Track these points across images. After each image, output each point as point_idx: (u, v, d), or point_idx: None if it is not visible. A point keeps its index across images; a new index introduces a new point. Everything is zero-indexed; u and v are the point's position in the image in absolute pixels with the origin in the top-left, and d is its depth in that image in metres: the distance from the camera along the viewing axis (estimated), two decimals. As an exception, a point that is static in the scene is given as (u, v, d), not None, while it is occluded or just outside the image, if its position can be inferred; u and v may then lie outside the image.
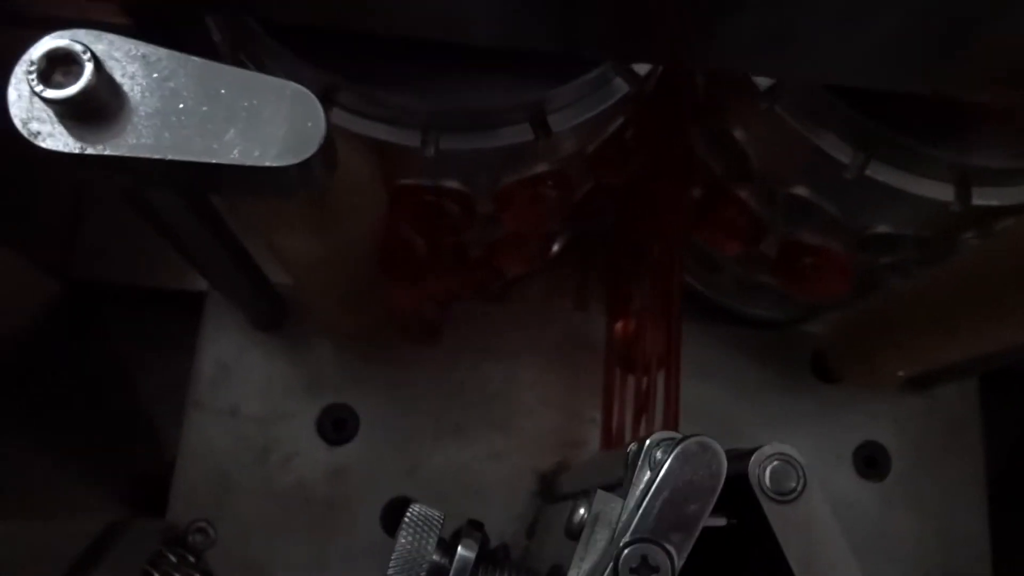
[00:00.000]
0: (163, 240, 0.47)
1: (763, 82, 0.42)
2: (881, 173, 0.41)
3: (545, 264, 0.62)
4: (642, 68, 0.42)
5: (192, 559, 0.58)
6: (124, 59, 0.32)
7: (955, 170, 0.41)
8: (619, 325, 0.58)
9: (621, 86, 0.42)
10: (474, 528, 0.32)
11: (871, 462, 0.65)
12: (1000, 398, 0.68)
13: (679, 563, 0.30)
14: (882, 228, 0.46)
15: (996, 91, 0.37)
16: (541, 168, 0.45)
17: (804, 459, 0.32)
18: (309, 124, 0.32)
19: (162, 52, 0.32)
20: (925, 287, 0.49)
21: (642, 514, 0.30)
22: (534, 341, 0.64)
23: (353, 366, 0.63)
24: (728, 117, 0.47)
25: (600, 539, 0.32)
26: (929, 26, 0.32)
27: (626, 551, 0.30)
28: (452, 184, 0.44)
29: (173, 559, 0.56)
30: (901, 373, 0.57)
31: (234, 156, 0.32)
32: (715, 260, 0.61)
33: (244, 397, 0.62)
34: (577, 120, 0.41)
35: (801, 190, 0.46)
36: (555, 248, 0.62)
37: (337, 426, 0.62)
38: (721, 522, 0.37)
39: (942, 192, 0.41)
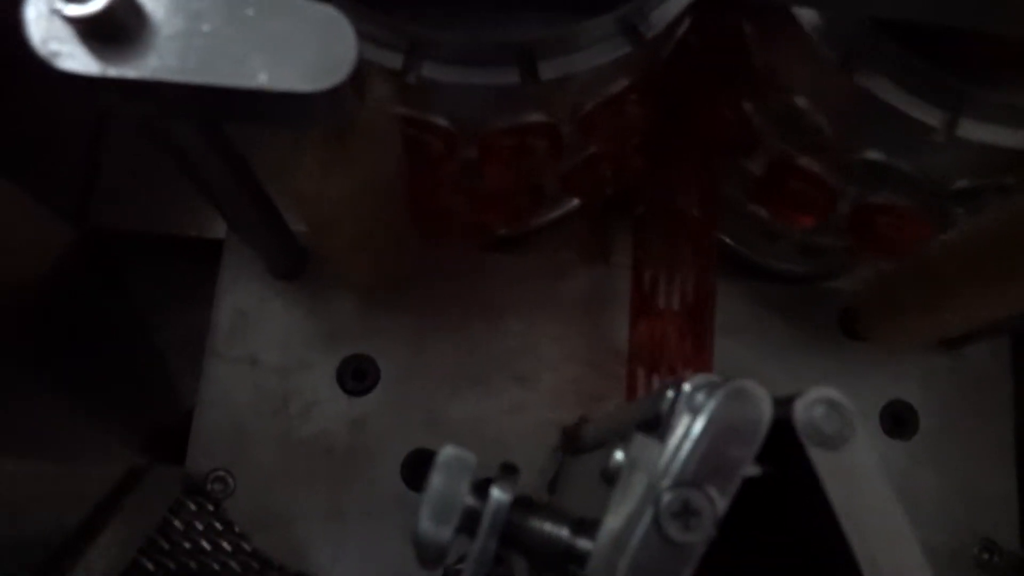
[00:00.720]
0: (182, 187, 0.45)
1: (835, 52, 0.40)
2: (972, 131, 0.40)
3: (564, 217, 0.61)
4: (649, 30, 0.40)
5: (211, 508, 0.57)
6: (146, -24, 0.30)
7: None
8: (646, 275, 0.57)
9: (622, 45, 0.40)
10: (508, 471, 0.31)
11: (898, 420, 0.64)
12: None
13: (722, 508, 0.29)
14: (964, 183, 0.44)
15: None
16: (530, 118, 0.43)
17: (852, 406, 0.30)
18: (339, 49, 0.30)
19: (186, -30, 0.30)
20: (958, 243, 0.48)
21: (684, 459, 0.29)
22: (557, 293, 0.63)
23: (374, 317, 0.62)
24: (793, 89, 0.44)
25: (638, 485, 0.31)
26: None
27: (668, 496, 0.29)
28: (436, 119, 0.43)
29: (193, 507, 0.56)
30: (934, 334, 0.56)
31: (261, 81, 0.30)
32: (776, 229, 0.60)
33: (263, 346, 0.61)
34: (568, 70, 0.39)
35: (875, 154, 0.45)
36: (569, 206, 0.61)
37: (357, 376, 0.61)
38: (757, 471, 0.36)
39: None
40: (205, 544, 0.54)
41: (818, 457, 0.30)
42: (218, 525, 0.56)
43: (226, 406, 0.60)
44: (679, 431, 0.30)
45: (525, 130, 0.43)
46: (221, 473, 0.58)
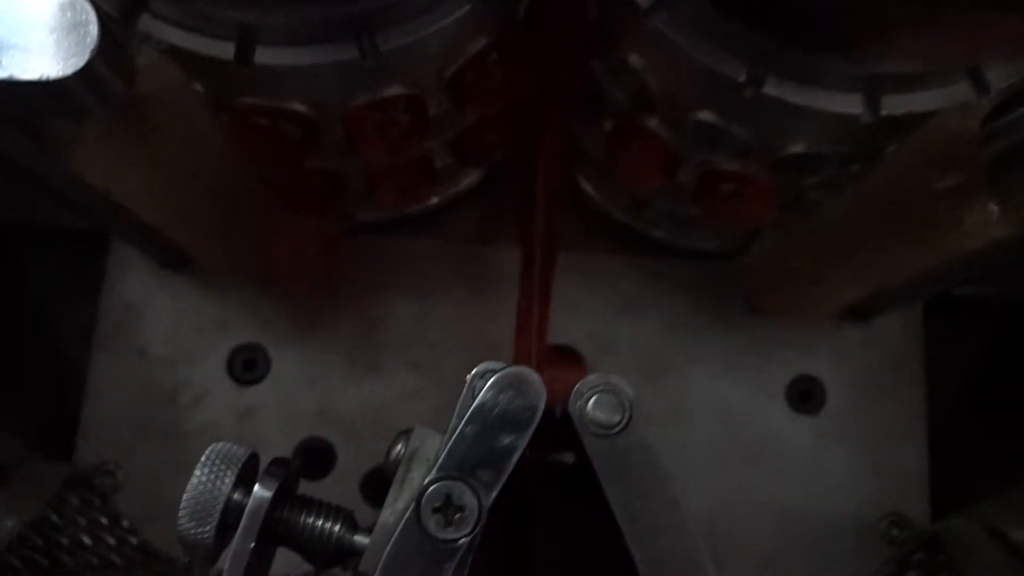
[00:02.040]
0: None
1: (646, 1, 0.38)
2: (781, 90, 0.38)
3: (453, 197, 0.59)
4: None
5: (98, 502, 0.57)
6: None
7: (861, 80, 0.37)
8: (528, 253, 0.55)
9: (460, 4, 0.38)
10: (278, 465, 0.30)
11: (805, 396, 0.62)
12: (948, 328, 0.65)
13: (487, 502, 0.28)
14: (797, 148, 0.43)
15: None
16: (389, 91, 0.42)
17: (631, 392, 0.29)
18: (81, 31, 0.29)
19: (-82, -46, 0.29)
20: (834, 211, 0.46)
21: (450, 449, 0.28)
22: (447, 277, 0.62)
23: (263, 305, 0.61)
24: (622, 44, 0.43)
25: (416, 477, 0.30)
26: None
27: (429, 489, 0.28)
28: (290, 105, 0.41)
29: (76, 502, 0.55)
30: (821, 305, 0.54)
31: (2, 68, 0.29)
32: (641, 195, 0.58)
33: (152, 338, 0.60)
34: (409, 38, 0.38)
35: (706, 115, 0.43)
36: (466, 181, 0.59)
37: (247, 366, 0.60)
38: (570, 459, 0.35)
39: (849, 104, 0.38)
40: (86, 539, 0.54)
41: (592, 445, 0.29)
42: (103, 519, 0.56)
43: (115, 399, 0.59)
44: (455, 421, 0.29)
45: (386, 104, 0.41)
46: (110, 466, 0.58)
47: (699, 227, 0.61)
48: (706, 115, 0.42)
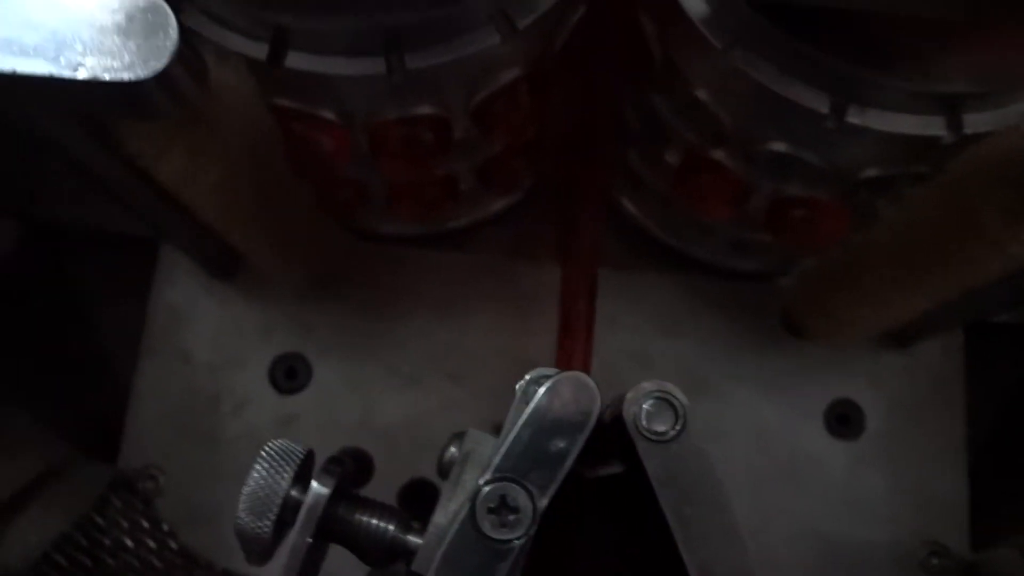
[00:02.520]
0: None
1: (721, 40, 0.39)
2: (864, 118, 0.38)
3: (484, 218, 0.60)
4: (522, 20, 0.39)
5: (140, 505, 0.57)
6: (-29, -31, 0.31)
7: (941, 101, 0.38)
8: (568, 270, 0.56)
9: (492, 34, 0.39)
10: (335, 463, 0.31)
11: (843, 420, 0.62)
12: (988, 356, 0.64)
13: (541, 504, 0.28)
14: (873, 172, 0.43)
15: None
16: (417, 110, 0.42)
17: (685, 399, 0.29)
18: (161, 35, 0.30)
19: (11, -39, 0.30)
20: (877, 233, 0.46)
21: (505, 451, 0.28)
22: (488, 292, 0.62)
23: (307, 315, 0.62)
24: (693, 81, 0.44)
25: (469, 480, 0.30)
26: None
27: (485, 490, 0.28)
28: (320, 111, 0.42)
29: (119, 504, 0.56)
30: (864, 327, 0.54)
31: (85, 69, 0.30)
32: (706, 224, 0.58)
33: (197, 344, 0.61)
34: (436, 61, 0.38)
35: (780, 145, 0.44)
36: (497, 205, 0.60)
37: (289, 375, 0.61)
38: (617, 469, 0.36)
39: (931, 126, 0.38)
40: (128, 541, 0.54)
41: (646, 450, 0.29)
42: (144, 522, 0.56)
43: (159, 403, 0.60)
44: (508, 424, 0.30)
45: (411, 121, 0.42)
46: (153, 471, 0.59)
47: (740, 248, 0.62)
48: (780, 146, 0.43)
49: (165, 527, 0.57)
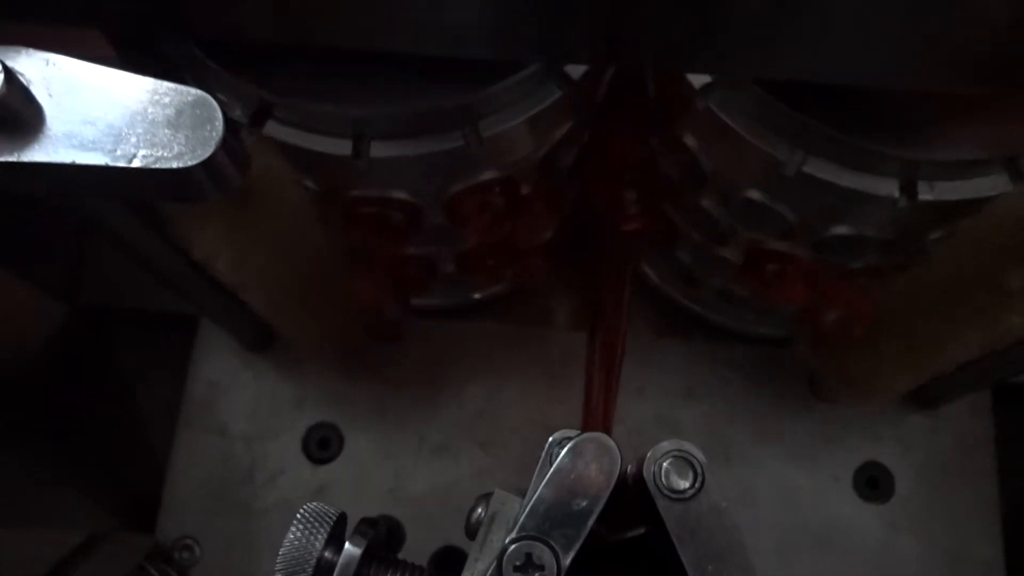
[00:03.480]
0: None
1: (698, 81, 0.41)
2: (821, 170, 0.40)
3: (531, 280, 0.62)
4: (576, 71, 0.41)
5: (176, 575, 0.59)
6: (37, 70, 0.34)
7: (899, 164, 0.39)
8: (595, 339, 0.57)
9: (553, 90, 0.41)
10: (368, 525, 0.32)
11: (872, 483, 0.62)
12: (1019, 416, 0.64)
13: (566, 561, 0.29)
14: (840, 230, 0.44)
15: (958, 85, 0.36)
16: (487, 175, 0.45)
17: (703, 457, 0.30)
18: (208, 127, 0.33)
19: (72, 63, 0.33)
20: (894, 298, 0.47)
21: (530, 511, 0.30)
22: (516, 360, 0.64)
23: (339, 386, 0.64)
24: (678, 124, 0.46)
25: (496, 539, 0.31)
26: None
27: (511, 548, 0.29)
28: (398, 193, 0.45)
29: (155, 574, 0.57)
30: (886, 389, 0.55)
31: (138, 159, 0.33)
32: (691, 273, 0.60)
33: (233, 416, 0.63)
34: (507, 124, 0.41)
35: (754, 193, 0.45)
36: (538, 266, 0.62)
37: (322, 445, 0.62)
38: (640, 531, 0.36)
39: (886, 187, 0.40)
40: (164, 611, 0.55)
41: (666, 508, 0.30)
42: (180, 592, 0.57)
43: (196, 475, 0.62)
44: (534, 485, 0.31)
45: (483, 188, 0.44)
46: (188, 541, 0.60)
47: (759, 312, 0.63)
48: (754, 193, 0.45)
49: (200, 598, 0.58)
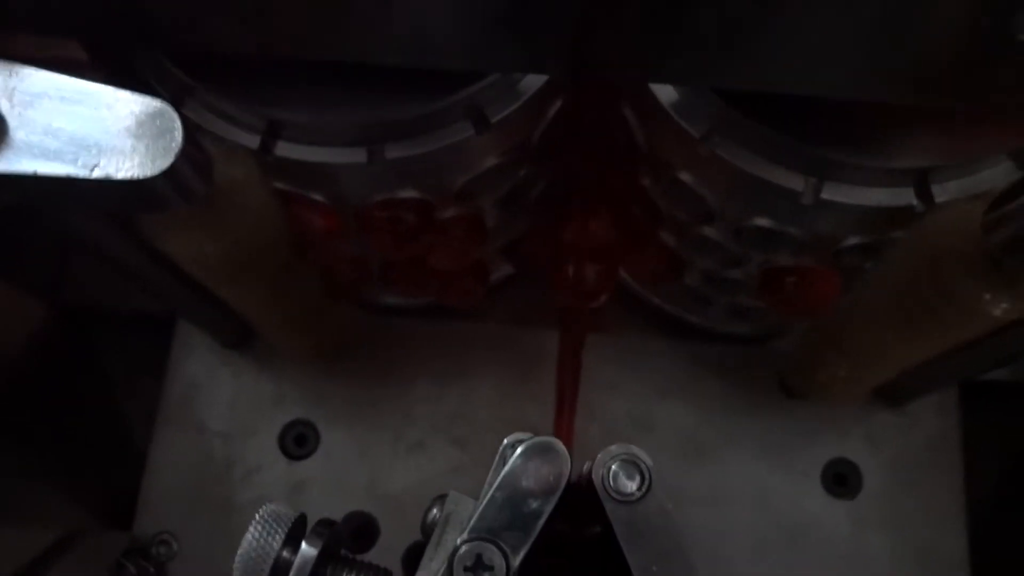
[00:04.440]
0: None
1: (698, 129, 0.42)
2: (837, 193, 0.41)
3: (497, 285, 0.63)
4: (496, 115, 0.42)
5: (153, 570, 0.59)
6: (1, 80, 0.34)
7: (912, 174, 0.40)
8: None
9: (467, 129, 0.42)
10: (325, 526, 0.33)
11: (840, 480, 0.63)
12: (985, 413, 0.65)
13: (515, 562, 0.30)
14: (854, 240, 0.45)
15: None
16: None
17: (650, 460, 0.31)
18: (168, 137, 0.33)
19: (35, 73, 0.34)
20: (860, 296, 0.48)
21: (481, 512, 0.30)
22: (491, 359, 0.65)
23: (316, 383, 0.64)
24: (676, 166, 0.46)
25: (450, 540, 0.32)
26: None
27: (462, 549, 0.30)
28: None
29: (133, 570, 0.58)
30: (854, 386, 0.56)
31: (99, 168, 0.34)
32: (703, 292, 0.61)
33: (211, 413, 0.64)
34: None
35: (764, 221, 0.46)
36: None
37: (299, 442, 0.63)
38: (596, 530, 0.37)
39: (904, 197, 0.40)
40: (141, 606, 0.56)
41: (613, 511, 0.31)
42: (158, 588, 0.58)
43: (174, 471, 0.63)
44: (486, 487, 0.32)
45: (395, 204, 0.45)
46: (166, 536, 0.61)
47: (733, 312, 0.64)
48: (763, 221, 0.45)
49: (178, 593, 0.59)
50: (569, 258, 0.53)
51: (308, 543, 0.31)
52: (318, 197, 0.44)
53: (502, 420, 0.64)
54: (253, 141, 0.40)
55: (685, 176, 0.46)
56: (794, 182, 0.41)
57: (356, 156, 0.40)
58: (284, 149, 0.40)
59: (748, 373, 0.65)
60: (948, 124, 0.41)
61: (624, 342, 0.66)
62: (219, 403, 0.64)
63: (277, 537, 0.31)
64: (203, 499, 0.62)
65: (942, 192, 0.41)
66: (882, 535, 0.62)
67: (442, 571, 0.30)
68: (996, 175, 0.41)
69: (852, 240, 0.46)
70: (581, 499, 0.36)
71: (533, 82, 0.42)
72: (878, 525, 0.62)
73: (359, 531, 0.62)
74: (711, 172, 0.45)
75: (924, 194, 0.41)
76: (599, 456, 0.32)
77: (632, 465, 0.31)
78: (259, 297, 0.48)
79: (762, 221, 0.46)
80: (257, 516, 0.32)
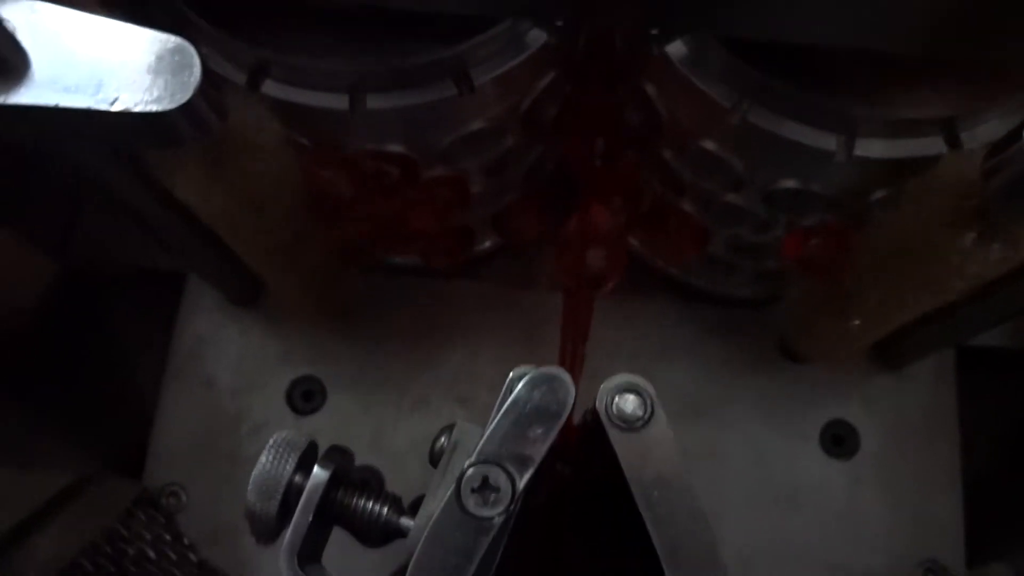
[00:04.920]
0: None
1: (727, 98, 0.42)
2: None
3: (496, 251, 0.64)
4: (480, 77, 0.42)
5: (163, 520, 0.61)
6: (23, 16, 0.35)
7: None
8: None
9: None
10: (336, 452, 0.34)
11: (838, 440, 0.64)
12: (982, 379, 0.66)
13: (521, 484, 0.31)
14: (787, 183, 0.46)
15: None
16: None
17: (653, 389, 0.32)
18: (187, 73, 0.34)
19: (56, 9, 0.35)
20: (856, 254, 0.49)
21: (488, 438, 0.31)
22: (495, 319, 0.66)
23: (323, 341, 0.65)
24: (700, 135, 0.47)
25: (457, 466, 0.33)
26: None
27: (469, 471, 0.31)
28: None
29: (143, 518, 0.59)
30: (850, 344, 0.56)
31: (119, 102, 0.34)
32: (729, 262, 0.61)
33: (219, 369, 0.65)
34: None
35: (794, 183, 0.46)
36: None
37: (306, 397, 0.64)
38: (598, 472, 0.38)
39: (824, 141, 0.41)
40: (151, 553, 0.57)
41: (617, 438, 0.32)
42: (166, 536, 0.59)
43: (182, 425, 0.64)
44: (493, 414, 0.32)
45: (380, 157, 0.46)
46: (175, 488, 0.62)
47: (735, 275, 0.64)
48: (794, 183, 0.46)
49: (186, 541, 0.60)
50: (574, 246, 0.53)
51: (320, 466, 0.32)
52: (304, 141, 0.45)
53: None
54: (242, 78, 0.41)
55: (711, 145, 0.47)
56: (826, 142, 0.42)
57: (339, 102, 0.41)
58: (271, 88, 0.41)
59: (749, 336, 0.66)
60: (973, 71, 0.41)
61: (627, 304, 0.67)
62: (227, 359, 0.65)
63: (290, 462, 0.33)
64: (211, 452, 0.63)
65: (971, 139, 0.41)
66: (877, 495, 0.63)
67: (450, 493, 0.31)
68: (925, 145, 0.41)
69: (880, 193, 0.46)
70: (585, 438, 0.37)
71: (524, 47, 0.43)
72: (874, 485, 0.63)
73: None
74: (741, 139, 0.45)
75: (953, 141, 0.41)
76: (603, 386, 0.33)
77: (635, 394, 0.32)
78: (265, 242, 0.49)
79: (792, 183, 0.46)
80: (270, 442, 0.33)
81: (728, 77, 0.41)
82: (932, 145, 0.41)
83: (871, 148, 0.42)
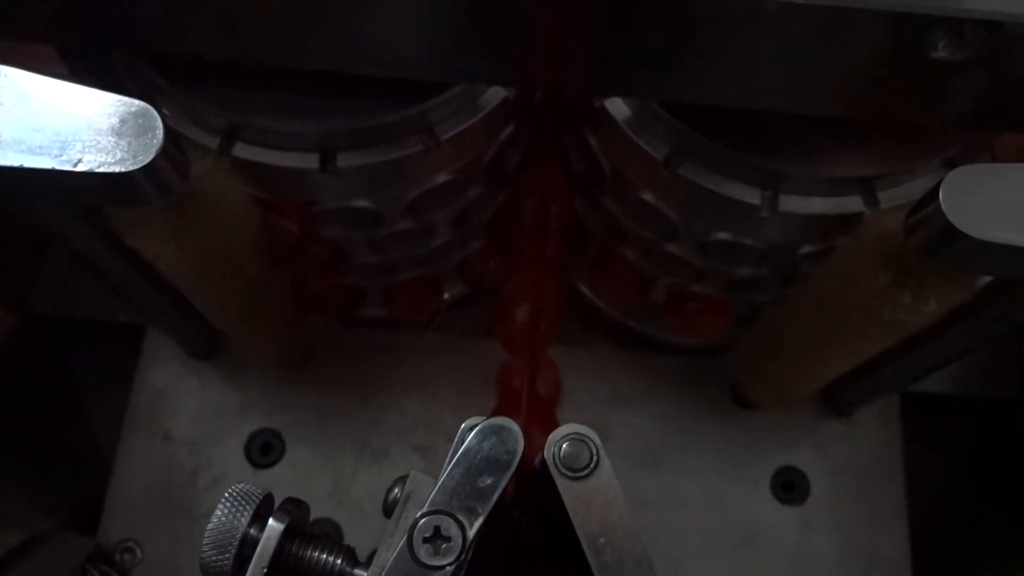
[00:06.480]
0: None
1: (659, 151, 0.44)
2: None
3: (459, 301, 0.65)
4: (445, 133, 0.44)
5: (118, 576, 0.60)
6: (-12, 82, 0.36)
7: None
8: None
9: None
10: (291, 504, 0.34)
11: (789, 486, 0.65)
12: (929, 424, 0.68)
13: (471, 533, 0.32)
14: (720, 235, 0.48)
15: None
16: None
17: (598, 439, 0.33)
18: (149, 135, 0.35)
19: (23, 75, 0.36)
20: (794, 304, 0.51)
21: (439, 488, 0.32)
22: (454, 369, 0.67)
23: (282, 393, 0.66)
24: (638, 186, 0.49)
25: (410, 516, 0.34)
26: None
27: (421, 521, 0.32)
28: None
29: (97, 575, 0.59)
30: (795, 392, 0.58)
31: (83, 163, 0.35)
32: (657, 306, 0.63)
33: (177, 422, 0.65)
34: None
35: (725, 235, 0.49)
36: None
37: (264, 450, 0.64)
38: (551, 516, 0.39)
39: (750, 195, 0.43)
40: (104, 610, 0.57)
41: (564, 487, 0.33)
42: (121, 593, 0.59)
43: (139, 479, 0.63)
44: (445, 464, 0.33)
45: (347, 211, 0.47)
46: (130, 543, 0.62)
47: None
48: (725, 235, 0.48)
49: (141, 599, 0.60)
50: (507, 307, 0.55)
51: (275, 519, 0.33)
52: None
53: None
54: (213, 141, 0.42)
55: (648, 196, 0.49)
56: (752, 196, 0.44)
57: (309, 162, 0.43)
58: (242, 150, 0.43)
59: (702, 384, 0.68)
60: (890, 134, 0.44)
61: (581, 352, 0.69)
62: (186, 412, 0.65)
63: (245, 514, 0.33)
64: (168, 506, 0.63)
65: (887, 199, 0.44)
66: (828, 539, 0.64)
67: (403, 543, 0.31)
68: (934, 181, 0.44)
69: (807, 249, 0.49)
70: (537, 486, 0.38)
71: (485, 103, 0.45)
72: (824, 529, 0.65)
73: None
74: (673, 191, 0.47)
75: (871, 201, 0.44)
76: (550, 436, 0.34)
77: (582, 443, 0.34)
78: (226, 298, 0.50)
79: (724, 235, 0.48)
80: (226, 495, 0.34)
81: (660, 132, 0.44)
82: (851, 204, 0.44)
83: (794, 204, 0.44)
